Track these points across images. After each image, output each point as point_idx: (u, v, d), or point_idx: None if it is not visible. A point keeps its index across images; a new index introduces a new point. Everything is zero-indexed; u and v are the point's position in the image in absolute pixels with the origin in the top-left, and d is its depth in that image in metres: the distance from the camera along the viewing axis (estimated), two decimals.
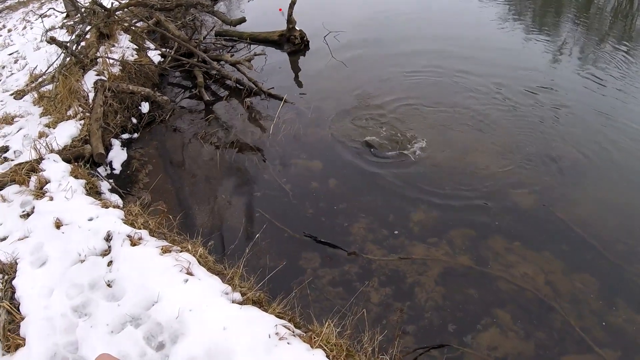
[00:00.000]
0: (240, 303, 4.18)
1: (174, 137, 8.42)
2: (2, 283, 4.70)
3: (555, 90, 8.79)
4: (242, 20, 11.41)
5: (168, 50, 10.82)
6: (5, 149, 7.43)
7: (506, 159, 6.98)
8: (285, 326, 3.92)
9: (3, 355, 4.07)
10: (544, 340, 4.61)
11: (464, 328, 4.74)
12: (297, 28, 11.21)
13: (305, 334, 3.95)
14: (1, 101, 9.67)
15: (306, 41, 11.34)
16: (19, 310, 4.37)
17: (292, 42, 11.27)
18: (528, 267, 5.29)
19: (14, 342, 4.07)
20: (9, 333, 4.17)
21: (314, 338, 3.83)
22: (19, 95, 9.57)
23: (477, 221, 5.96)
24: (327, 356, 3.66)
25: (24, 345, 4.06)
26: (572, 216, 5.94)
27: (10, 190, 6.19)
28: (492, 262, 5.40)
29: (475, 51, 10.31)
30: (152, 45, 10.91)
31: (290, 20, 11.10)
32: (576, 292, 5.01)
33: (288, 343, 3.71)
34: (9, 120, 8.53)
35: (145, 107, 8.93)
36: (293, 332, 3.90)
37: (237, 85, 9.67)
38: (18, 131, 8.00)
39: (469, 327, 4.74)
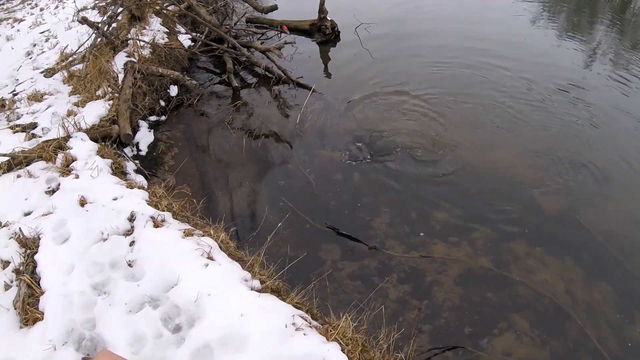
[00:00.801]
0: (259, 291, 4.16)
1: (201, 122, 8.42)
2: (24, 257, 4.73)
3: (587, 91, 8.63)
4: (274, 7, 11.38)
5: (198, 35, 10.82)
6: (34, 125, 7.46)
7: (533, 160, 6.87)
8: (302, 317, 3.89)
9: (21, 328, 4.11)
10: (559, 349, 4.55)
11: (480, 331, 4.69)
12: (328, 18, 11.14)
13: (321, 326, 3.92)
14: (31, 78, 9.74)
15: (337, 31, 11.26)
16: (39, 284, 4.39)
17: (323, 32, 11.19)
18: (548, 274, 5.21)
19: (32, 316, 4.09)
20: (28, 306, 4.19)
21: (330, 331, 3.79)
22: (49, 73, 9.62)
23: (500, 223, 5.88)
24: (342, 350, 3.62)
25: (42, 319, 4.08)
26: (597, 225, 5.82)
27: (37, 166, 6.22)
28: (512, 266, 5.33)
29: (506, 49, 10.17)
30: (182, 29, 10.90)
31: (322, 10, 11.03)
32: (594, 303, 4.92)
33: (304, 334, 3.68)
34: (38, 97, 8.57)
35: (173, 91, 8.96)
36: (310, 324, 3.87)
37: (266, 73, 9.63)
38: (47, 109, 8.04)
39: (485, 331, 4.69)
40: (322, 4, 10.93)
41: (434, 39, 10.81)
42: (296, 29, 11.76)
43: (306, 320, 3.89)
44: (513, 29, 11.58)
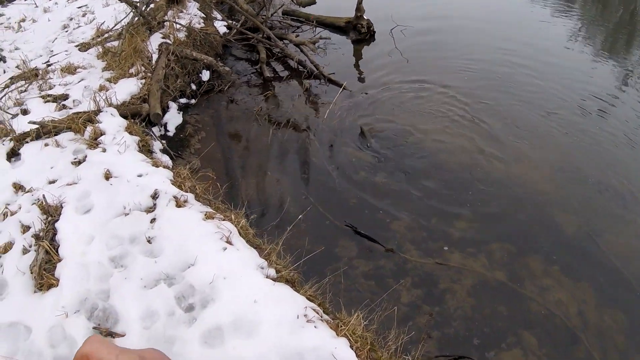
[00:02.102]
0: (274, 280, 4.16)
1: (230, 108, 8.44)
2: (45, 224, 4.78)
3: (620, 112, 8.46)
4: (312, 1, 11.37)
5: (234, 22, 10.82)
6: (65, 96, 7.54)
7: (558, 177, 6.77)
8: (314, 310, 3.89)
9: (35, 292, 4.15)
10: None
11: (489, 344, 4.64)
12: (364, 17, 11.11)
13: (332, 321, 3.92)
14: (66, 51, 9.83)
15: (372, 31, 11.19)
16: (57, 252, 4.43)
17: (358, 31, 11.14)
18: (562, 294, 5.13)
19: (48, 282, 4.13)
20: (44, 272, 4.23)
21: (341, 326, 3.79)
22: (84, 47, 9.71)
23: (519, 238, 5.80)
24: (351, 346, 3.60)
25: (57, 285, 4.12)
26: (615, 250, 5.69)
27: (65, 137, 6.28)
28: (527, 282, 5.26)
29: (539, 64, 10.02)
30: (219, 16, 10.92)
31: (359, 9, 10.98)
32: (605, 327, 4.84)
33: (315, 327, 3.67)
34: (71, 70, 8.66)
35: (205, 75, 9.00)
36: (321, 317, 3.86)
37: (299, 66, 9.63)
38: (79, 82, 8.11)
39: (493, 344, 4.64)
40: (359, 3, 10.88)
41: (470, 49, 10.71)
42: (332, 26, 11.72)
43: (318, 313, 3.89)
44: (548, 45, 11.44)
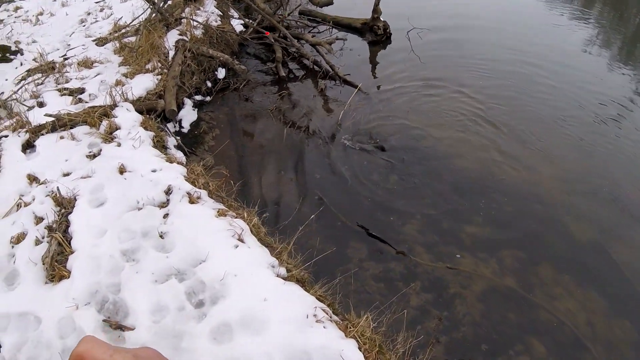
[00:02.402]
0: (285, 278, 4.15)
1: (245, 107, 8.46)
2: (59, 216, 4.80)
3: (633, 120, 8.37)
4: (329, 2, 11.37)
5: (251, 21, 10.86)
6: (81, 90, 7.58)
7: (572, 186, 6.73)
8: (323, 310, 3.88)
9: (46, 283, 4.18)
10: None
11: (497, 350, 4.62)
12: (381, 19, 11.10)
13: (341, 322, 3.91)
14: (83, 45, 9.89)
15: (389, 33, 11.19)
16: (69, 244, 4.45)
17: (375, 32, 11.14)
18: (572, 303, 5.09)
19: (59, 273, 4.16)
20: (56, 263, 4.26)
21: (350, 328, 3.78)
22: (101, 42, 9.76)
23: (530, 245, 5.76)
24: (359, 348, 3.59)
25: (68, 277, 4.15)
26: (626, 261, 5.65)
27: (80, 130, 6.31)
28: (537, 289, 5.22)
29: (555, 68, 9.97)
30: (236, 14, 10.97)
31: (376, 10, 10.98)
32: (613, 338, 4.80)
33: (324, 327, 3.66)
34: (88, 64, 8.72)
35: (221, 73, 9.02)
36: (330, 317, 3.85)
37: (314, 66, 9.64)
38: (96, 76, 8.16)
39: (501, 350, 4.62)
40: (376, 4, 10.88)
41: (486, 53, 10.66)
42: (348, 27, 11.73)
43: (327, 313, 3.88)
44: (565, 49, 11.37)
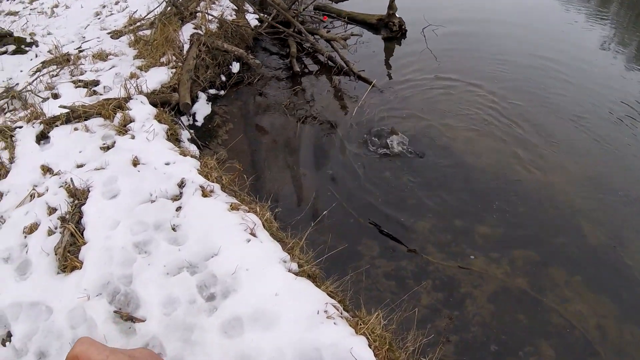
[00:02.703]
0: (296, 274, 4.14)
1: (259, 101, 8.45)
2: (72, 207, 4.82)
3: None
4: None
5: (266, 16, 10.83)
6: (96, 82, 7.60)
7: (587, 188, 6.61)
8: (334, 306, 3.86)
9: (58, 273, 4.19)
10: None
11: (506, 351, 4.58)
12: (397, 15, 11.05)
13: (352, 318, 3.89)
14: (98, 38, 9.93)
15: (404, 30, 11.13)
16: (82, 235, 4.47)
17: (390, 29, 11.09)
18: (583, 306, 5.02)
19: (71, 264, 4.18)
20: (68, 254, 4.27)
21: (360, 325, 3.76)
22: (116, 35, 9.80)
23: (543, 246, 5.69)
24: (369, 345, 3.57)
25: (80, 268, 4.16)
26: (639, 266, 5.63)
27: (95, 122, 6.33)
28: (548, 291, 5.16)
29: (571, 67, 9.85)
30: (250, 9, 10.95)
31: (391, 6, 10.93)
32: (624, 343, 4.72)
33: (334, 323, 3.65)
34: (103, 56, 8.74)
35: (235, 67, 9.03)
36: (341, 314, 3.84)
37: (329, 61, 9.61)
38: (110, 68, 8.18)
39: (510, 352, 4.58)
40: (392, 0, 10.84)
41: (502, 49, 10.57)
42: (363, 22, 11.68)
43: (338, 310, 3.86)
44: (581, 48, 11.25)
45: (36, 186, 5.29)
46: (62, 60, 8.65)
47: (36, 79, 7.91)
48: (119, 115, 6.40)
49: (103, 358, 2.17)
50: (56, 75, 8.17)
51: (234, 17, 10.24)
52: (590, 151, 7.31)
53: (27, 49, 9.67)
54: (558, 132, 7.63)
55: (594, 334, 4.77)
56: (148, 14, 9.84)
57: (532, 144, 7.34)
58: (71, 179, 5.10)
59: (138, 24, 9.98)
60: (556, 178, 6.71)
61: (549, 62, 10.00)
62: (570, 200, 6.37)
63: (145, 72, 7.88)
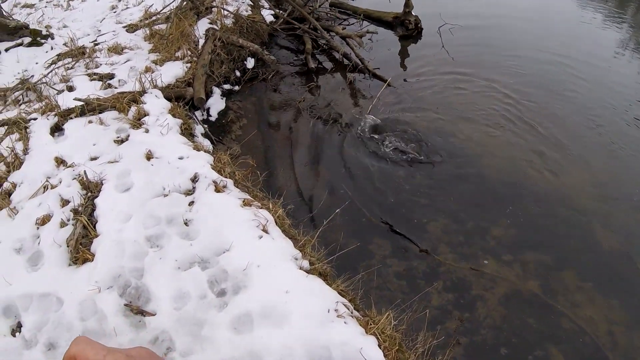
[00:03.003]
0: (307, 271, 4.12)
1: (273, 97, 8.45)
2: (84, 199, 4.82)
3: None
4: None
5: (281, 12, 10.83)
6: (111, 76, 7.62)
7: (602, 193, 6.54)
8: (345, 305, 3.84)
9: (69, 265, 4.19)
10: None
11: (516, 355, 4.56)
12: (413, 13, 11.00)
13: (362, 318, 3.87)
14: (113, 31, 9.93)
15: (420, 28, 11.07)
16: (94, 227, 4.47)
17: (406, 27, 11.03)
18: (594, 311, 4.98)
19: (83, 256, 4.17)
20: (80, 246, 4.27)
21: (370, 324, 3.73)
22: (131, 28, 9.82)
23: (555, 250, 5.65)
24: (379, 345, 3.55)
25: (92, 260, 4.15)
26: None
27: (109, 115, 6.33)
28: (559, 296, 5.12)
29: (587, 68, 9.73)
30: (266, 4, 10.96)
31: (407, 4, 10.88)
32: (634, 350, 4.68)
33: (345, 322, 3.63)
34: (118, 50, 8.76)
35: (250, 63, 9.01)
36: (351, 313, 3.82)
37: (344, 59, 9.58)
38: (125, 62, 8.20)
39: (520, 356, 4.55)
40: None
41: (517, 49, 10.50)
42: (379, 20, 11.64)
43: (348, 309, 3.84)
44: (597, 48, 11.12)
45: (49, 178, 5.29)
46: (77, 53, 8.67)
47: (51, 71, 7.94)
48: (133, 108, 6.40)
49: (100, 358, 2.15)
50: (71, 67, 8.19)
51: (250, 12, 10.22)
52: (605, 154, 7.24)
53: (42, 41, 9.69)
54: (573, 134, 7.56)
55: (604, 340, 4.74)
56: (164, 8, 9.86)
57: (547, 145, 7.27)
58: (85, 171, 5.11)
59: (154, 18, 10.00)
60: (571, 181, 6.65)
61: (565, 63, 9.91)
62: (584, 204, 6.31)
63: (160, 66, 7.88)
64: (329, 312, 3.69)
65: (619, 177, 6.82)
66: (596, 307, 5.04)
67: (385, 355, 3.48)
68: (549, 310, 4.98)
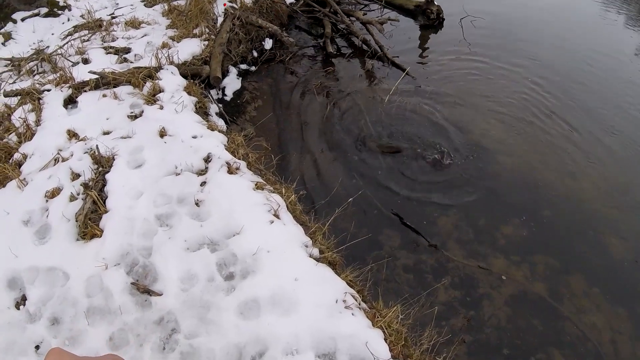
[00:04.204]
0: (317, 260, 4.09)
1: (289, 80, 8.36)
2: (95, 174, 4.78)
3: None
4: None
5: None
6: (127, 50, 7.56)
7: (615, 200, 6.41)
8: (353, 296, 3.81)
9: (77, 240, 4.18)
10: None
11: (518, 356, 4.53)
12: (435, 2, 10.85)
13: (369, 310, 3.83)
14: (131, 5, 9.87)
15: (442, 18, 10.89)
16: (104, 203, 4.44)
17: (427, 16, 10.86)
18: (598, 319, 4.93)
19: (91, 232, 4.16)
20: (89, 221, 4.25)
21: (377, 317, 3.71)
22: (149, 3, 9.76)
23: (564, 254, 5.57)
24: (385, 339, 3.52)
25: (100, 236, 4.15)
26: None
27: (124, 90, 6.28)
28: (566, 300, 5.06)
29: (604, 77, 9.57)
30: None
31: None
32: None
33: (352, 314, 3.61)
34: (135, 24, 8.70)
35: (268, 44, 8.92)
36: (359, 305, 3.78)
37: (363, 45, 9.44)
38: (142, 37, 8.14)
39: (522, 357, 4.53)
40: None
41: (538, 45, 10.33)
42: (400, 8, 11.45)
43: (356, 300, 3.81)
44: (620, 48, 10.97)
45: (61, 150, 5.26)
46: (94, 25, 8.61)
47: (67, 42, 7.89)
48: (148, 84, 6.35)
49: None
50: (87, 40, 8.13)
51: None
52: (624, 158, 7.10)
53: (59, 12, 9.62)
54: (592, 136, 7.42)
55: (607, 348, 4.70)
56: None
57: (564, 146, 7.15)
58: (97, 145, 5.06)
59: None
60: (586, 184, 6.55)
61: (587, 64, 9.74)
62: (597, 209, 6.22)
63: (177, 42, 7.81)
64: (337, 302, 3.68)
65: (634, 184, 6.69)
66: (602, 314, 4.99)
67: (390, 350, 3.46)
68: (554, 314, 4.94)
